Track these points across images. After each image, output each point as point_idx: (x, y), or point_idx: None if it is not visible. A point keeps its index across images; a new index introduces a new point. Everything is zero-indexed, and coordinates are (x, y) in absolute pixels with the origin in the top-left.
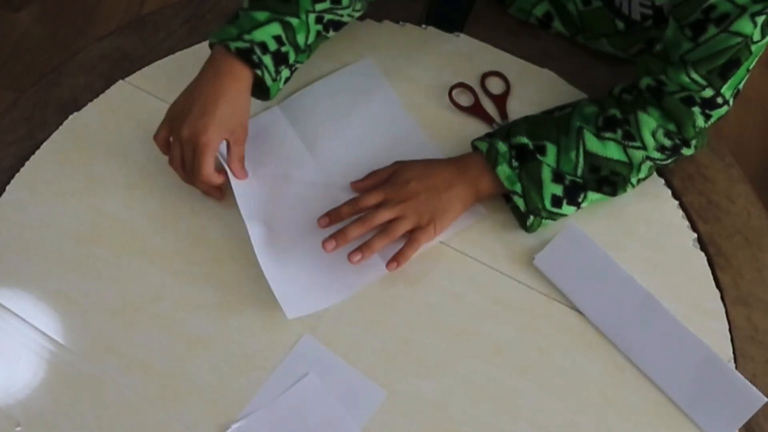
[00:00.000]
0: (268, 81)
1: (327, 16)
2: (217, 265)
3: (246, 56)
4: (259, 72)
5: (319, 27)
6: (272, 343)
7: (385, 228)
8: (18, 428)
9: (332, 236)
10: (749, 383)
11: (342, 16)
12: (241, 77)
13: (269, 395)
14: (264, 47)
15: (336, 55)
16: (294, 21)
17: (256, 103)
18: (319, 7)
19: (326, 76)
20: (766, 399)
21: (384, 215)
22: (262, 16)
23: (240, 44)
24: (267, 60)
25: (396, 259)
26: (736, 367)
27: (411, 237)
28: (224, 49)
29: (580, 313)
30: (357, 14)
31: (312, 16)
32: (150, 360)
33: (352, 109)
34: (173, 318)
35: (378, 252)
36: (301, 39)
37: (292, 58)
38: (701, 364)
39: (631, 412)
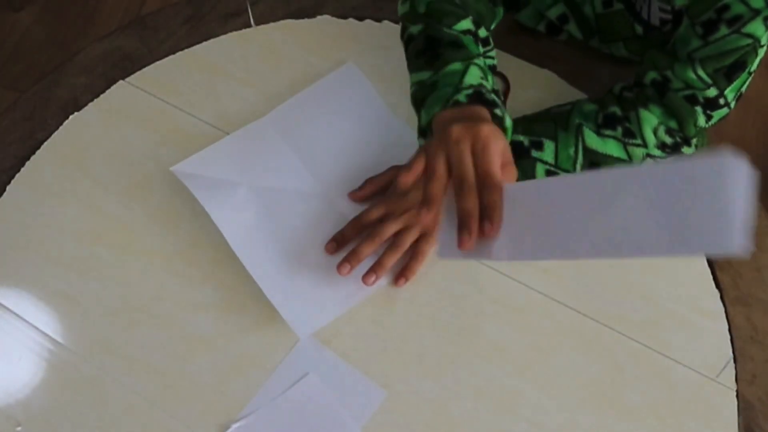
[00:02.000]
0: (508, 122)
1: (487, 61)
2: (217, 265)
3: (480, 98)
4: (498, 112)
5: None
6: (272, 343)
7: (393, 242)
8: (18, 428)
9: (345, 259)
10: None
11: (492, 58)
12: (488, 118)
13: (269, 395)
14: (484, 88)
15: (335, 56)
16: (481, 61)
17: (245, 115)
18: (481, 50)
19: (310, 85)
20: (744, 162)
21: (391, 228)
22: (457, 66)
23: (467, 91)
24: (495, 98)
25: (404, 275)
26: (736, 367)
27: (416, 250)
28: (452, 108)
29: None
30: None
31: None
32: (150, 360)
33: (340, 116)
34: (173, 318)
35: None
36: (490, 78)
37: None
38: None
39: (631, 412)
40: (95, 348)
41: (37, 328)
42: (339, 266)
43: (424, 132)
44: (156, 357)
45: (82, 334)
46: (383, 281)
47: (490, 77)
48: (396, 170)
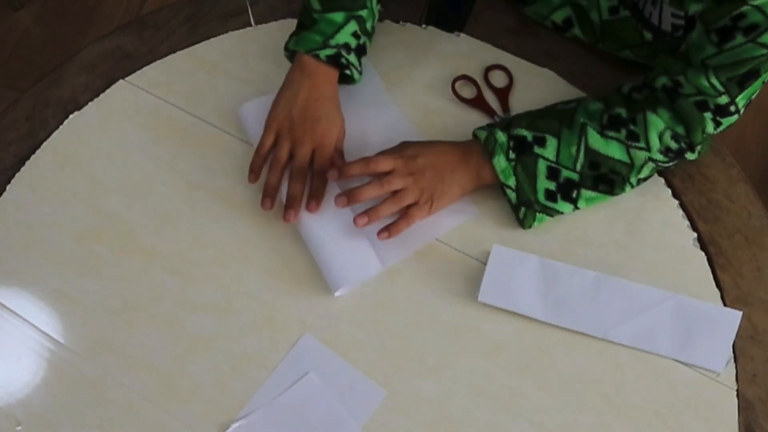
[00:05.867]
0: (356, 76)
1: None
2: (217, 265)
3: (335, 61)
4: (348, 72)
5: (379, 6)
6: (272, 343)
7: (392, 196)
8: (18, 428)
9: (344, 193)
10: (721, 306)
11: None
12: (333, 78)
13: (269, 395)
14: (348, 48)
15: None
16: (364, 12)
17: (244, 93)
18: None
19: None
20: (740, 312)
21: (397, 183)
22: (339, 17)
23: (329, 51)
24: (352, 58)
25: (388, 230)
26: (736, 367)
27: (407, 212)
28: (313, 58)
29: (549, 324)
30: None
31: (374, 0)
32: (150, 359)
33: (345, 109)
34: (173, 318)
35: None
36: (370, 25)
37: (368, 45)
38: (672, 311)
39: (631, 412)
40: (95, 348)
41: (37, 328)
42: (337, 197)
43: (288, 50)
44: (156, 356)
45: (82, 334)
46: (382, 280)
47: (369, 23)
48: (405, 144)
